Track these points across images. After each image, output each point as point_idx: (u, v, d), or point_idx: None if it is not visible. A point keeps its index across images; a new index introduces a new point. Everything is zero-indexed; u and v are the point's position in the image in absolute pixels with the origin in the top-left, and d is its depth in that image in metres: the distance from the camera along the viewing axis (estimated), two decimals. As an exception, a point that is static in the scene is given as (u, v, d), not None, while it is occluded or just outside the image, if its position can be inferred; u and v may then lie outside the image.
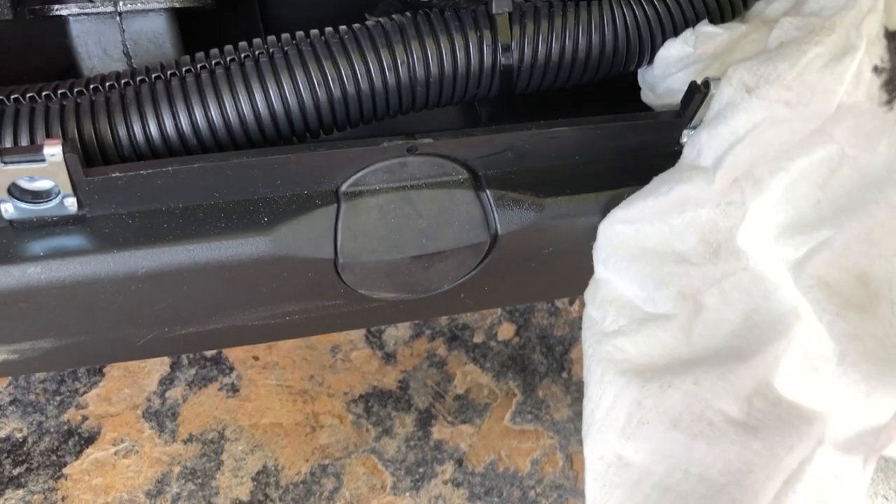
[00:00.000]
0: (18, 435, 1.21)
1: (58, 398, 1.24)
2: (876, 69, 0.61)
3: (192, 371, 1.30)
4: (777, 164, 0.62)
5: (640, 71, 0.79)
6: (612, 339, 0.64)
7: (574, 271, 0.75)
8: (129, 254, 0.65)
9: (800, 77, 0.60)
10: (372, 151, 0.68)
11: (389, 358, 1.39)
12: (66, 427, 1.23)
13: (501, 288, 0.81)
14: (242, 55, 0.70)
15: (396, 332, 1.39)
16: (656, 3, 0.74)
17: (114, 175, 0.62)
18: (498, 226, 0.72)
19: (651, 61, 0.76)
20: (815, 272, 0.59)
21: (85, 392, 1.26)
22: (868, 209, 0.60)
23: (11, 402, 1.21)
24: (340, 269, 0.70)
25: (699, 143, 0.65)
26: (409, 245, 0.72)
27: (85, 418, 1.25)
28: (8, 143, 0.63)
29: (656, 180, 0.67)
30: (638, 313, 0.65)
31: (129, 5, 0.77)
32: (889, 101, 0.61)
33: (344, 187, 0.69)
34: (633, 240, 0.67)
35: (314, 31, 0.72)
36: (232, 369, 1.31)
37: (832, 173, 0.62)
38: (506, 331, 1.43)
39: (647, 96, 0.79)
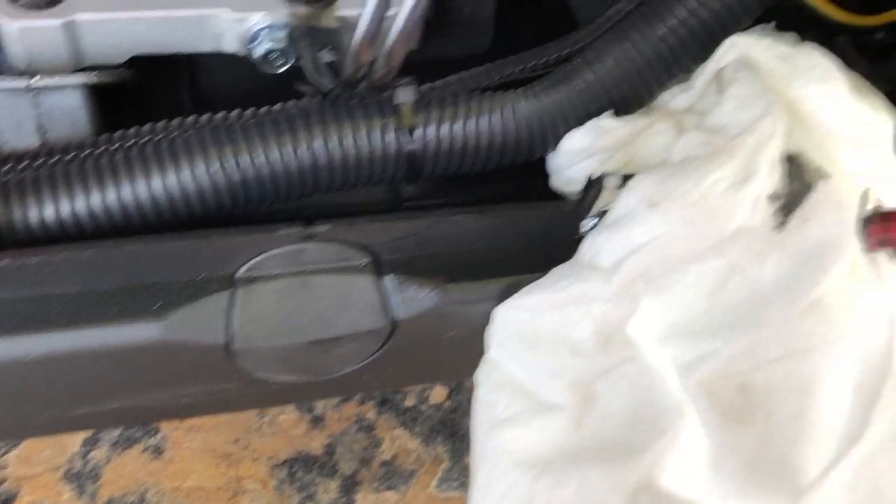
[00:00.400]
0: (-68, 497, 1.23)
1: (-23, 459, 1.26)
2: (771, 196, 0.64)
3: (117, 433, 1.33)
4: (671, 267, 0.64)
5: (547, 157, 0.81)
6: (505, 427, 0.66)
7: (480, 355, 0.77)
8: (18, 340, 0.67)
9: (702, 198, 0.64)
10: (268, 238, 0.70)
11: (317, 421, 1.41)
12: (-17, 489, 1.25)
13: (406, 370, 0.84)
14: (147, 138, 0.73)
15: (327, 396, 1.43)
16: (558, 94, 0.77)
17: (6, 261, 0.65)
18: (399, 311, 0.75)
19: (556, 149, 0.78)
20: (701, 379, 0.61)
21: (5, 453, 1.29)
22: (754, 324, 0.62)
23: (-71, 464, 1.24)
24: (235, 355, 0.72)
25: (598, 245, 0.67)
26: (306, 330, 0.74)
27: (3, 480, 1.26)
28: None
29: (554, 273, 0.69)
30: (531, 402, 0.67)
31: (42, 82, 0.79)
32: (781, 224, 0.64)
33: (240, 273, 0.71)
34: (529, 326, 0.69)
35: (219, 115, 0.75)
36: (157, 431, 1.35)
37: (723, 285, 0.64)
38: (438, 394, 1.46)
39: (554, 182, 0.81)
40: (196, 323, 0.71)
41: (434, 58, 0.96)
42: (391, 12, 0.70)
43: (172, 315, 0.70)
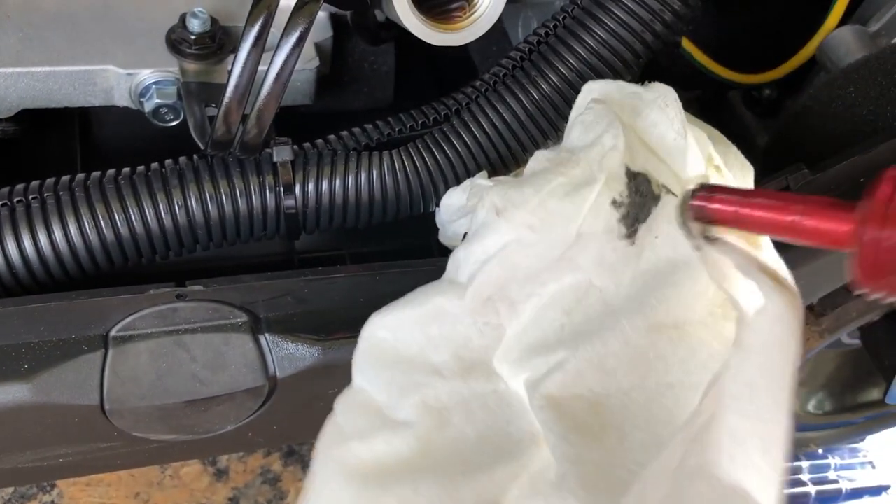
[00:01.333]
0: None
1: None
2: (614, 202, 0.65)
3: (11, 490, 1.28)
4: (531, 288, 0.65)
5: (435, 213, 0.81)
6: (347, 442, 0.64)
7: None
8: None
9: (543, 203, 0.64)
10: (139, 299, 0.68)
11: (221, 474, 1.39)
12: None
13: (292, 426, 0.82)
14: (19, 198, 0.71)
15: (231, 448, 1.40)
16: (437, 154, 0.78)
17: None
18: (277, 370, 0.74)
19: (429, 209, 0.79)
20: (548, 392, 0.61)
21: None
22: (603, 336, 0.62)
23: None
24: (109, 415, 0.70)
25: (457, 260, 0.68)
26: (182, 390, 0.72)
27: None
28: None
29: (417, 290, 0.69)
30: (379, 420, 0.66)
31: None
32: (629, 236, 0.65)
33: (113, 332, 0.70)
34: (391, 347, 0.68)
35: (95, 174, 0.73)
36: (53, 486, 1.30)
37: (579, 301, 0.65)
38: None
39: (441, 237, 0.82)
40: (68, 384, 0.69)
41: (338, 111, 1.01)
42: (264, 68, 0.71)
43: (42, 376, 0.68)
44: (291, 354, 0.75)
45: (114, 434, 0.73)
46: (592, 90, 0.71)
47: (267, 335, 0.74)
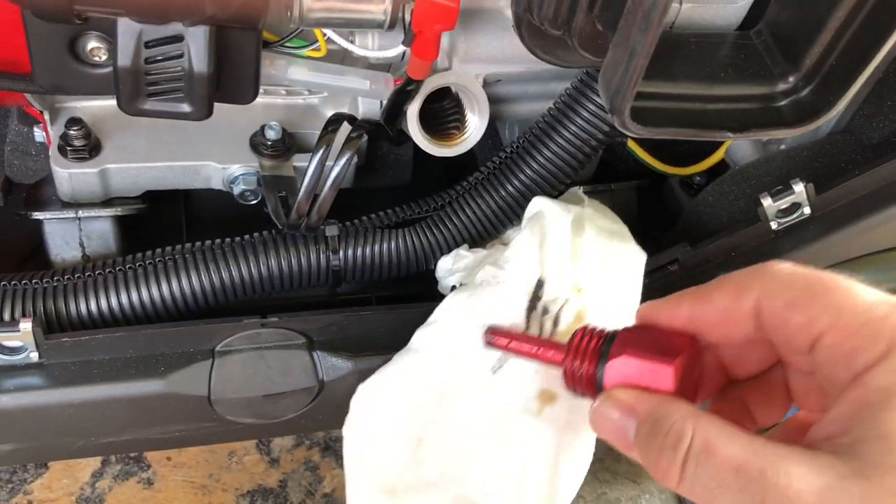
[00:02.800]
0: (-26, 515, 1.46)
1: (9, 486, 1.50)
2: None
3: (118, 467, 1.56)
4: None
5: (435, 270, 1.06)
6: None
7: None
8: (70, 389, 0.91)
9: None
10: (235, 326, 0.95)
11: (274, 462, 1.64)
12: (13, 509, 1.49)
13: (332, 416, 1.03)
14: (156, 258, 0.98)
15: (282, 442, 1.67)
16: (435, 232, 1.03)
17: (63, 339, 0.90)
18: (324, 375, 0.97)
19: (430, 267, 1.05)
20: None
21: (31, 481, 1.52)
22: None
23: (-29, 488, 1.47)
24: (213, 403, 0.95)
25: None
26: (262, 387, 0.96)
27: (30, 502, 1.50)
28: None
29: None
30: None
31: (84, 213, 1.02)
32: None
33: (217, 347, 0.95)
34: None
35: (207, 242, 1.00)
36: (149, 467, 1.57)
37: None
38: None
39: (439, 288, 1.05)
40: (187, 381, 0.93)
41: (368, 188, 1.21)
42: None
43: (172, 376, 0.93)
44: (334, 365, 0.97)
45: (213, 417, 0.97)
46: (535, 203, 0.94)
47: (318, 352, 0.97)
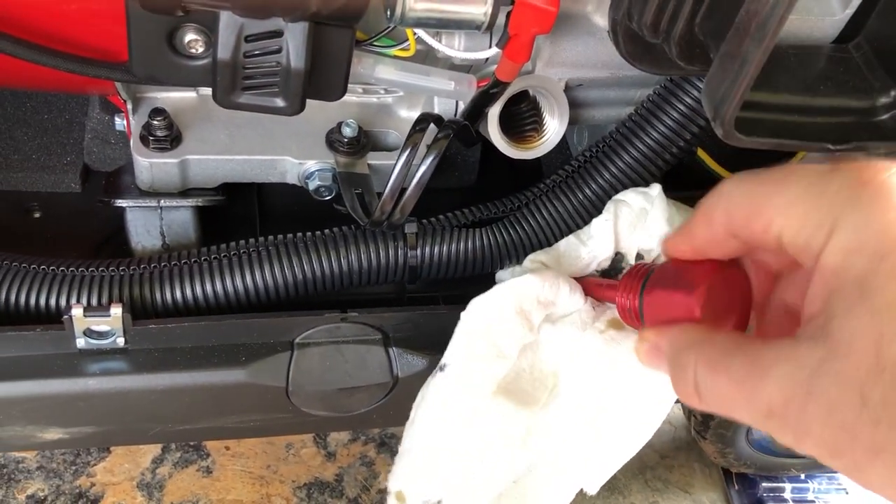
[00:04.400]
0: (41, 494, 1.49)
1: (73, 468, 1.52)
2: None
3: (178, 454, 1.58)
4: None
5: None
6: None
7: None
8: (154, 376, 0.92)
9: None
10: (316, 319, 0.95)
11: (331, 456, 1.66)
12: (77, 490, 1.51)
13: (401, 412, 1.01)
14: (240, 249, 0.99)
15: (339, 437, 1.68)
16: (506, 234, 1.02)
17: (150, 326, 0.91)
18: (399, 372, 0.98)
19: (502, 267, 1.05)
20: None
21: (95, 464, 1.54)
22: None
23: (38, 468, 1.50)
24: (290, 395, 0.96)
25: None
26: (338, 381, 0.97)
27: (93, 485, 1.53)
28: (84, 301, 0.92)
29: None
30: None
31: (166, 202, 1.03)
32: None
33: (297, 339, 0.96)
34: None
35: (289, 236, 1.01)
36: (208, 455, 1.59)
37: None
38: None
39: None
40: (267, 372, 0.94)
41: (435, 187, 1.12)
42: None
43: (252, 366, 0.93)
44: (409, 361, 0.97)
45: (289, 408, 0.98)
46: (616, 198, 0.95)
47: (393, 347, 0.97)
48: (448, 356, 0.88)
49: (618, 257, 0.92)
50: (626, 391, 0.87)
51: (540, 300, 0.88)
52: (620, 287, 0.72)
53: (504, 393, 0.86)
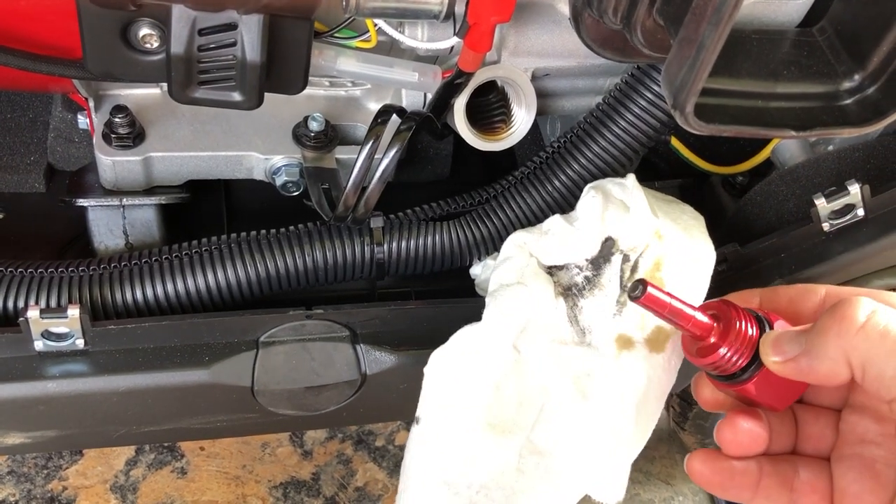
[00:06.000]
0: (12, 499, 1.47)
1: (45, 472, 1.51)
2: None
3: (152, 456, 1.57)
4: None
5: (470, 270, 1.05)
6: None
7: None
8: (114, 377, 0.90)
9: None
10: (281, 317, 0.94)
11: (307, 454, 1.65)
12: (49, 495, 1.50)
13: (371, 409, 1.06)
14: (202, 248, 0.98)
15: (315, 435, 1.67)
16: (476, 227, 1.01)
17: (109, 327, 0.89)
18: (367, 369, 0.96)
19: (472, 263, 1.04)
20: None
21: (67, 468, 1.53)
22: None
23: (8, 473, 1.48)
24: (256, 394, 0.94)
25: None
26: (304, 379, 0.95)
27: (65, 488, 1.52)
28: (43, 303, 0.90)
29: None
30: None
31: (128, 201, 1.02)
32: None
33: (262, 338, 0.94)
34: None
35: (253, 233, 0.99)
36: (183, 456, 1.58)
37: None
38: (403, 437, 1.67)
39: (476, 288, 1.05)
40: (232, 372, 0.93)
41: (409, 181, 1.23)
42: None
43: (216, 366, 0.92)
44: (377, 359, 0.96)
45: (256, 408, 0.96)
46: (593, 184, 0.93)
47: (361, 345, 0.96)
48: (421, 410, 0.87)
49: (608, 243, 0.89)
50: (628, 398, 0.86)
51: (501, 338, 0.87)
52: (731, 332, 0.68)
53: (489, 428, 0.85)
